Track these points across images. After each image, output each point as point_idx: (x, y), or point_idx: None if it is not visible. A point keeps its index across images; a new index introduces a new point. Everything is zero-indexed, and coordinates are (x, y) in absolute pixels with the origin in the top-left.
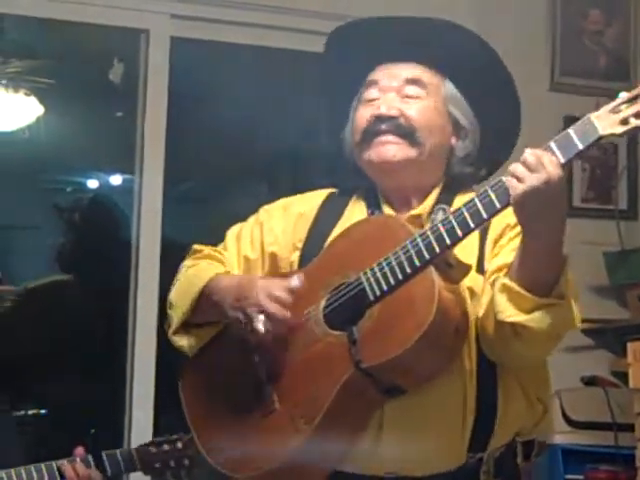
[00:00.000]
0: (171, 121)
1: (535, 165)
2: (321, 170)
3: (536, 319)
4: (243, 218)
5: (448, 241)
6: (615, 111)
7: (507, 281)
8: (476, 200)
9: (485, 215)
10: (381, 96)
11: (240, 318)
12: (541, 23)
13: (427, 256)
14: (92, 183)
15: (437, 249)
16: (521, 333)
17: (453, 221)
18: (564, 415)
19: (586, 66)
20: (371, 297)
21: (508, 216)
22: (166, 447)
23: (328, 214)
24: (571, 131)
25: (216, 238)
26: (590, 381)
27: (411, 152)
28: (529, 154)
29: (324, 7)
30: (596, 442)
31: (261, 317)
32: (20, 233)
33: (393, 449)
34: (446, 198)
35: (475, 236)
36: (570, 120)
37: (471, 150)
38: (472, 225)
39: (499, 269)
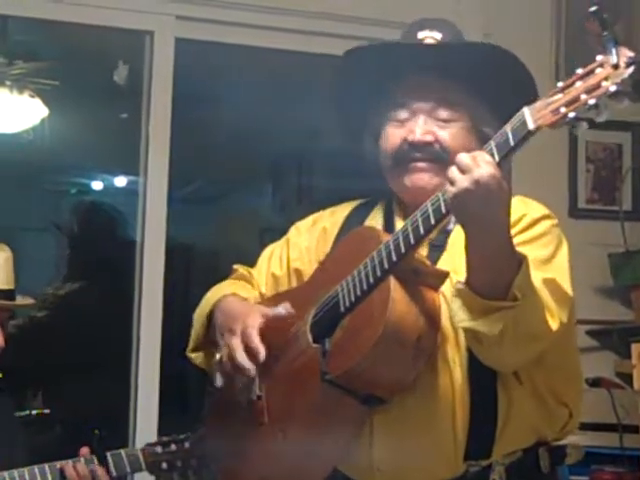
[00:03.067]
0: (176, 122)
1: (466, 166)
2: (325, 171)
3: (485, 323)
4: (247, 219)
5: (403, 249)
6: (550, 102)
7: (461, 285)
8: (428, 205)
9: (432, 221)
10: (412, 118)
11: (219, 344)
12: (545, 23)
13: (386, 266)
14: (97, 185)
15: (394, 258)
16: (480, 338)
17: (409, 228)
18: None
19: None
20: (342, 309)
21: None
22: (173, 447)
23: (350, 229)
24: (507, 127)
25: (220, 239)
26: (595, 382)
27: (441, 178)
28: (463, 155)
29: (329, 8)
30: (601, 443)
31: (224, 354)
32: (24, 234)
33: (384, 460)
34: None
35: None
36: (575, 120)
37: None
38: (422, 232)
39: None
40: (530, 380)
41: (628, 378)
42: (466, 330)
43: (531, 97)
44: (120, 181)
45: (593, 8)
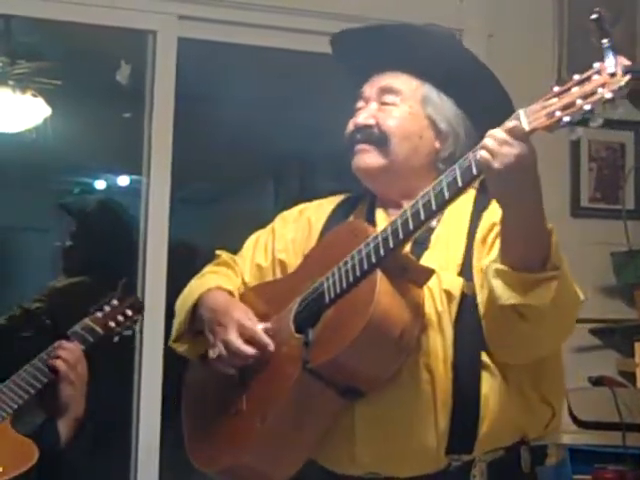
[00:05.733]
0: (178, 122)
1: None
2: (328, 172)
3: (536, 296)
4: (249, 219)
5: (392, 244)
6: (545, 106)
7: (499, 266)
8: (419, 200)
9: (423, 217)
10: (364, 106)
11: (209, 338)
12: (548, 22)
13: (374, 259)
14: (99, 184)
15: (382, 252)
16: (525, 314)
17: (398, 223)
18: (572, 415)
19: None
20: (327, 300)
21: (494, 216)
22: (107, 308)
23: (335, 222)
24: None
25: (223, 239)
26: (598, 381)
27: (381, 160)
28: (497, 131)
29: (332, 8)
30: (604, 442)
31: (222, 349)
32: (27, 234)
33: (365, 452)
34: None
35: (461, 240)
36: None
37: (453, 152)
38: (411, 227)
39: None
40: (515, 377)
41: (631, 377)
42: (512, 308)
43: (488, 88)
44: (123, 180)
45: (594, 16)
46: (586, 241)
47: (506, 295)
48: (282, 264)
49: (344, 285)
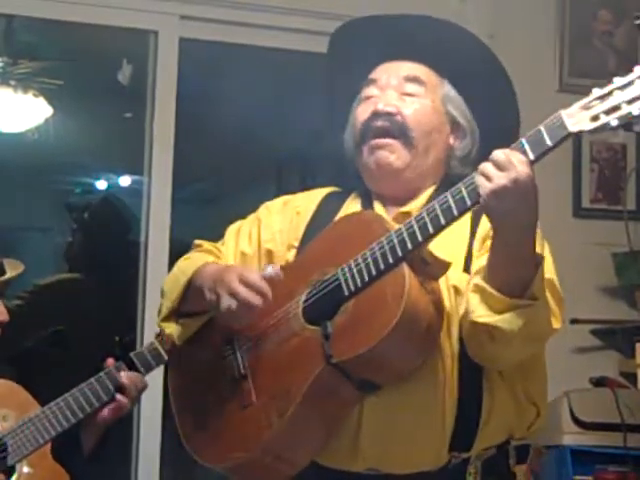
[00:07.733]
0: (180, 122)
1: (504, 164)
2: (329, 172)
3: (507, 320)
4: None
5: (420, 238)
6: (586, 107)
7: (479, 281)
8: (448, 196)
9: (455, 212)
10: (380, 94)
11: (213, 300)
12: (550, 24)
13: (400, 253)
14: (101, 184)
15: (409, 246)
16: (494, 334)
17: (426, 218)
18: (573, 416)
19: (595, 67)
20: (346, 292)
21: None
22: None
23: (325, 213)
24: (542, 127)
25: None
26: (599, 382)
27: (407, 155)
28: (499, 153)
29: (333, 8)
30: (605, 443)
31: (229, 298)
32: (29, 234)
33: (371, 445)
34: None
35: (465, 234)
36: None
37: (470, 150)
38: (443, 222)
39: (481, 270)
40: (509, 378)
41: (632, 378)
42: (483, 325)
43: (503, 91)
44: (124, 181)
45: (638, 21)
46: (587, 242)
47: (479, 312)
48: (269, 254)
49: (366, 278)
